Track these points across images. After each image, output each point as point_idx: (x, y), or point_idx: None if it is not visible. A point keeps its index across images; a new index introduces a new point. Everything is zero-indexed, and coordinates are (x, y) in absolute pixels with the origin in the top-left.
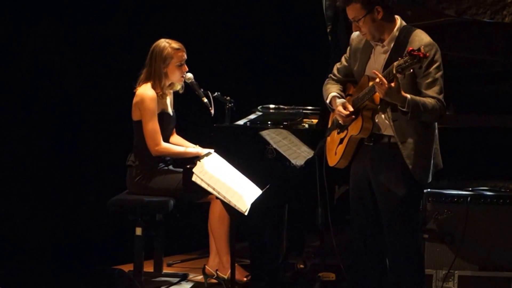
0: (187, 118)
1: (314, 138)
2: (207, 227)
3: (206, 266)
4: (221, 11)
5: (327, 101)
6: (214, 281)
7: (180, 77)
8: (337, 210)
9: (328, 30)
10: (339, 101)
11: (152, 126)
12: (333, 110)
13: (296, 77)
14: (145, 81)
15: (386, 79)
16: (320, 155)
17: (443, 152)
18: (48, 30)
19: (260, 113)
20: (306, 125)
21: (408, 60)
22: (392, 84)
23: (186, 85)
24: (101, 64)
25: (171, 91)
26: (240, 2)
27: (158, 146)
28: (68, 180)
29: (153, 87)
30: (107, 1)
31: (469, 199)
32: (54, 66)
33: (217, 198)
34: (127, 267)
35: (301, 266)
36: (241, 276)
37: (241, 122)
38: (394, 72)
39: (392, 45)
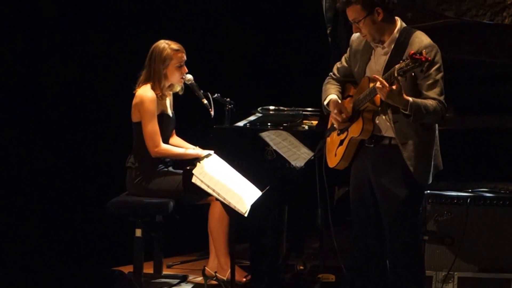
0: (187, 120)
1: (314, 139)
2: (207, 229)
3: (206, 268)
4: (221, 12)
5: (325, 103)
6: (214, 282)
7: (179, 78)
8: (337, 211)
9: (328, 31)
10: (336, 104)
11: (152, 128)
12: (329, 112)
13: (296, 78)
14: (145, 82)
15: (387, 82)
16: (319, 156)
17: (443, 153)
18: (47, 31)
19: (260, 115)
20: (306, 127)
21: (410, 64)
22: (394, 87)
23: (186, 87)
24: (101, 65)
25: (171, 93)
26: (240, 3)
27: (158, 148)
28: (68, 182)
29: (153, 88)
30: (106, 2)
31: (469, 200)
32: (53, 67)
33: (217, 199)
34: (127, 269)
35: (301, 267)
36: (240, 276)
37: (241, 123)
38: (396, 75)
39: (392, 46)
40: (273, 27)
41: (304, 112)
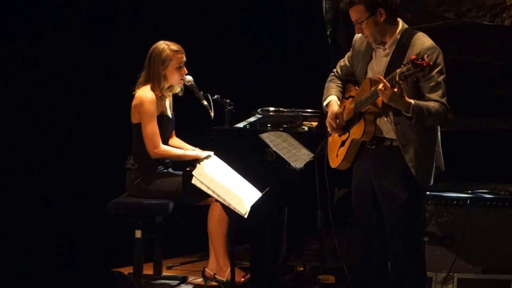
0: (186, 121)
1: (314, 140)
2: (207, 230)
3: (205, 269)
4: (221, 13)
5: (324, 103)
6: (214, 283)
7: (179, 79)
8: (337, 213)
9: (328, 32)
10: (333, 109)
11: (151, 129)
12: (327, 112)
13: (296, 80)
14: (144, 83)
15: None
16: (321, 155)
17: (443, 154)
18: (47, 32)
19: (259, 116)
20: (306, 128)
21: (411, 68)
22: (395, 90)
23: (186, 88)
24: (101, 66)
25: (170, 94)
26: (240, 4)
27: (157, 149)
28: (68, 183)
29: (152, 89)
30: (106, 3)
31: (468, 201)
32: (53, 68)
33: (216, 200)
34: (127, 270)
35: (301, 268)
36: (239, 277)
37: (240, 124)
38: (397, 79)
39: (393, 48)
40: (273, 28)
41: (304, 114)
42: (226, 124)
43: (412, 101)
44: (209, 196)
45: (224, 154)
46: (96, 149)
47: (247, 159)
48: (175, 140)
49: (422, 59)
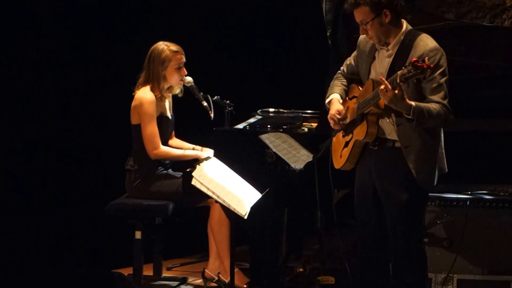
0: (186, 122)
1: (314, 141)
2: (206, 231)
3: (205, 270)
4: (221, 14)
5: (326, 101)
6: (213, 284)
7: (178, 80)
8: (337, 214)
9: (328, 33)
10: (335, 106)
11: (151, 130)
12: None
13: (296, 81)
14: (144, 84)
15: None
16: (325, 155)
17: None
18: (47, 32)
19: (259, 117)
20: (306, 129)
21: (412, 70)
22: (396, 91)
23: (186, 89)
24: (100, 67)
25: (170, 95)
26: (240, 6)
27: (157, 150)
28: (68, 184)
29: (152, 90)
30: (106, 3)
31: (468, 202)
32: (52, 69)
33: (216, 202)
34: (127, 271)
35: (301, 269)
36: (241, 283)
37: (240, 125)
38: (398, 81)
39: (396, 49)
40: (273, 29)
41: (303, 114)
42: (226, 125)
43: (413, 103)
44: (209, 197)
45: (224, 155)
46: (96, 150)
47: (247, 160)
48: (174, 141)
49: (423, 61)
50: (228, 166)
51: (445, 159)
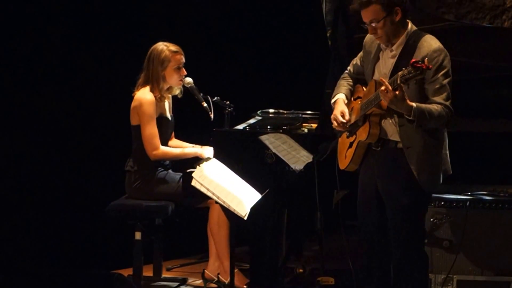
0: (186, 123)
1: (314, 142)
2: (206, 232)
3: (205, 271)
4: (221, 14)
5: (332, 101)
6: (213, 285)
7: (178, 81)
8: (336, 215)
9: (328, 34)
10: (339, 107)
11: (150, 130)
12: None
13: (296, 81)
14: (143, 85)
15: (391, 87)
16: (331, 155)
17: None
18: (46, 33)
19: (259, 118)
20: (306, 130)
21: (412, 71)
22: (397, 92)
23: (186, 90)
24: (100, 68)
25: (170, 96)
26: (239, 6)
27: (156, 151)
28: (68, 185)
29: (152, 90)
30: (105, 3)
31: (468, 203)
32: (52, 70)
33: (216, 202)
34: (126, 272)
35: (300, 270)
36: (241, 283)
37: (240, 126)
38: (399, 82)
39: (400, 49)
40: (273, 30)
41: (303, 115)
42: (226, 126)
43: (414, 104)
44: (208, 198)
45: (224, 156)
46: (95, 151)
47: (247, 161)
48: (174, 142)
49: (422, 61)
50: (228, 167)
51: (449, 161)
